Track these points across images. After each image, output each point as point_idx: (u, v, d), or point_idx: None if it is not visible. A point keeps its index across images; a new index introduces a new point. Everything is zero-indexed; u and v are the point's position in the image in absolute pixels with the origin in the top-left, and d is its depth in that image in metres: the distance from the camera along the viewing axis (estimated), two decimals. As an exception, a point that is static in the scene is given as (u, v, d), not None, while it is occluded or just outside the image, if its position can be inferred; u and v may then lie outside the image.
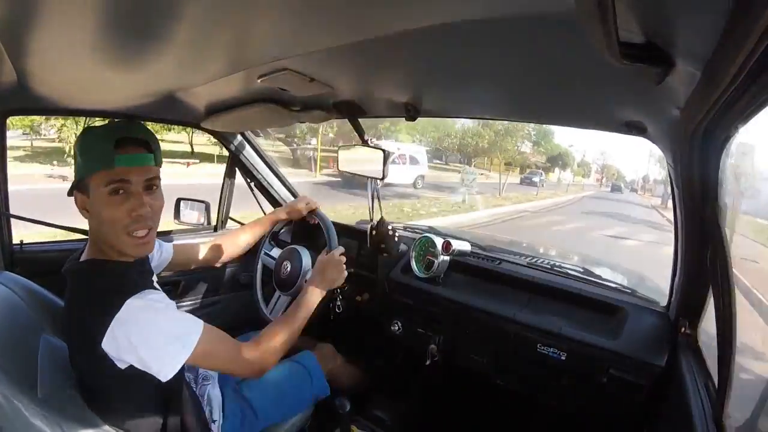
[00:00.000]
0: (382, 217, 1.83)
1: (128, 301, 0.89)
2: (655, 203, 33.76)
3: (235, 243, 1.70)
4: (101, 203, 0.95)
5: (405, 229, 2.32)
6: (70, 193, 1.00)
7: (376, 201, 1.84)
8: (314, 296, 1.36)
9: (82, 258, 1.03)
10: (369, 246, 1.87)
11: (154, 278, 1.16)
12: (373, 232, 1.84)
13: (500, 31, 0.66)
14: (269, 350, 1.14)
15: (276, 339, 1.17)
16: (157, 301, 0.95)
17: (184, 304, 2.02)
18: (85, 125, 1.08)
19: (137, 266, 1.07)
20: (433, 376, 1.94)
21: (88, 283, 0.96)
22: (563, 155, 42.77)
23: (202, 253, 1.61)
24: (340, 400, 1.40)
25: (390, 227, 1.82)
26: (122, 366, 0.92)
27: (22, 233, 1.60)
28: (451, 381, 1.96)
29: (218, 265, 1.70)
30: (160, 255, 1.38)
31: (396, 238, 1.85)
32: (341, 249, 1.55)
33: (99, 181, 0.94)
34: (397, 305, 1.85)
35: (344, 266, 1.51)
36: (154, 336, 0.91)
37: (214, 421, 1.29)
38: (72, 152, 0.99)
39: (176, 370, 0.94)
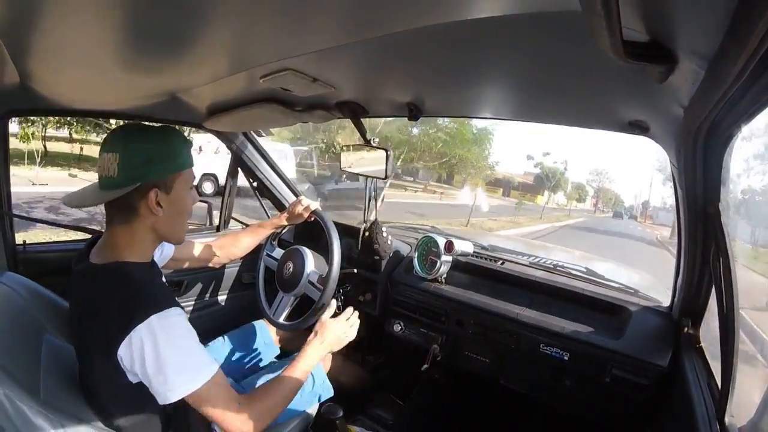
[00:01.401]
0: (376, 219, 1.82)
1: (151, 317, 0.89)
2: (663, 236, 26.80)
3: (235, 245, 1.70)
4: (185, 197, 1.06)
5: (407, 229, 2.32)
6: (138, 191, 0.98)
7: (372, 202, 1.83)
8: (312, 360, 1.31)
9: (96, 259, 1.02)
10: (359, 247, 1.87)
11: (163, 278, 1.16)
12: (366, 234, 1.84)
13: (503, 31, 0.66)
14: (265, 412, 1.10)
15: (273, 400, 1.14)
16: (180, 326, 0.95)
17: (186, 303, 2.02)
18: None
19: (151, 267, 1.09)
20: (435, 376, 1.94)
21: (111, 287, 0.95)
22: (552, 176, 37.18)
23: (202, 252, 1.61)
24: (330, 406, 1.39)
25: (384, 229, 1.82)
26: (133, 380, 0.93)
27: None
28: (454, 381, 1.96)
29: (217, 266, 1.70)
30: (161, 252, 1.37)
31: (389, 241, 1.85)
32: (353, 312, 1.50)
33: (185, 178, 1.05)
34: (399, 305, 1.85)
35: (353, 330, 1.46)
36: (165, 361, 0.91)
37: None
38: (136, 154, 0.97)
39: (174, 400, 0.93)
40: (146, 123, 1.06)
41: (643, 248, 18.70)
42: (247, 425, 1.05)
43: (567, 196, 54.81)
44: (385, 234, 1.81)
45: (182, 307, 1.00)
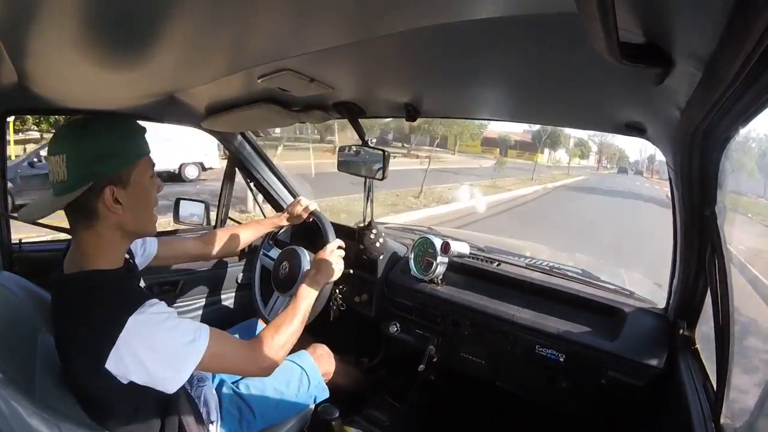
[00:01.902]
0: (371, 221, 1.82)
1: (131, 318, 0.87)
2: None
3: (228, 240, 1.66)
4: (146, 188, 1.01)
5: (403, 230, 2.32)
6: (92, 191, 0.93)
7: (369, 202, 1.83)
8: (311, 288, 1.34)
9: (69, 269, 0.98)
10: (356, 245, 1.85)
11: (141, 283, 1.14)
12: (357, 235, 1.84)
13: (501, 32, 0.66)
14: (276, 346, 1.12)
15: (281, 334, 1.15)
16: (158, 313, 0.92)
17: (182, 303, 2.01)
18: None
19: (126, 271, 1.06)
20: (431, 377, 1.94)
21: (84, 299, 0.91)
22: (544, 131, 34.04)
23: (192, 247, 1.57)
24: (326, 407, 1.40)
25: (374, 231, 1.81)
26: (125, 382, 0.90)
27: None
28: (450, 382, 1.96)
29: (209, 261, 1.68)
30: (144, 251, 1.34)
31: (377, 243, 1.83)
32: (339, 242, 1.54)
33: (143, 169, 1.00)
34: (395, 306, 1.85)
35: (341, 259, 1.50)
36: (162, 350, 0.90)
37: (212, 422, 1.28)
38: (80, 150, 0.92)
39: (184, 381, 0.93)
40: (91, 117, 1.00)
41: (654, 212, 14.56)
42: (266, 363, 1.08)
43: (569, 153, 51.25)
44: (374, 235, 1.80)
45: (154, 298, 0.96)
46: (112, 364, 0.86)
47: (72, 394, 0.98)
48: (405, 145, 31.09)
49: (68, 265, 1.00)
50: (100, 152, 0.93)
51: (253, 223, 1.80)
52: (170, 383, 0.92)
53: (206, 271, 2.05)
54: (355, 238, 1.86)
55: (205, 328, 0.98)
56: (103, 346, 0.86)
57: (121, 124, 1.00)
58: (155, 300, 0.94)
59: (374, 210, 1.79)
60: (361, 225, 1.84)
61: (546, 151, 41.50)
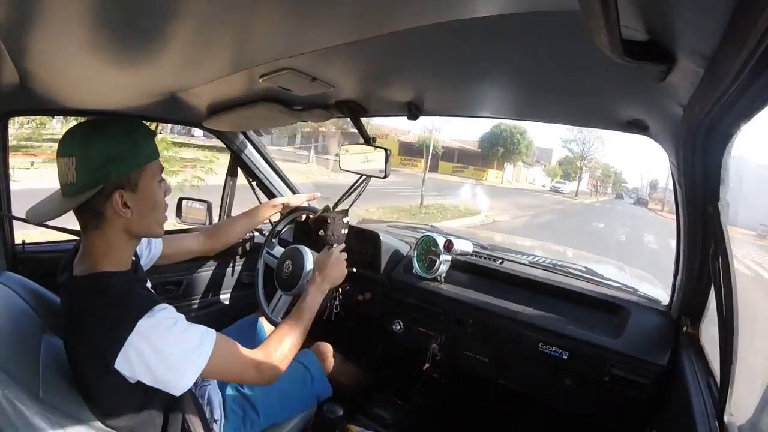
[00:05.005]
0: (346, 210, 1.76)
1: (140, 323, 0.87)
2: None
3: (228, 231, 1.67)
4: (153, 192, 1.00)
5: (406, 228, 2.32)
6: (101, 195, 0.93)
7: (354, 194, 1.82)
8: (316, 298, 1.33)
9: (78, 271, 0.99)
10: (309, 221, 1.77)
11: (148, 284, 1.14)
12: (323, 213, 1.75)
13: (502, 30, 0.66)
14: (279, 357, 1.12)
15: (284, 345, 1.15)
16: (167, 318, 0.93)
17: (185, 303, 2.02)
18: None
19: (133, 274, 1.06)
20: (434, 376, 1.94)
21: (95, 301, 0.92)
22: (506, 140, 22.71)
23: (194, 243, 1.57)
24: (330, 406, 1.40)
25: (345, 221, 1.73)
26: (132, 381, 0.91)
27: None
28: (453, 380, 1.96)
29: (212, 254, 1.67)
30: (150, 251, 1.35)
31: (343, 232, 1.73)
32: (342, 246, 1.53)
33: (151, 172, 1.00)
34: (398, 304, 1.85)
35: (345, 263, 1.48)
36: (168, 354, 0.90)
37: (215, 421, 1.29)
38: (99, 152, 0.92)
39: (191, 384, 0.93)
40: (103, 119, 0.98)
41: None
42: (267, 373, 1.09)
43: (549, 173, 41.62)
44: (343, 221, 1.73)
45: (164, 302, 0.97)
46: (120, 365, 0.87)
47: (77, 394, 0.99)
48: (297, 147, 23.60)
49: (78, 266, 1.00)
50: (111, 155, 0.92)
51: (249, 211, 1.77)
52: (175, 387, 0.93)
53: (208, 271, 2.06)
54: (358, 236, 1.83)
55: (212, 334, 0.98)
56: (112, 347, 0.86)
57: (130, 127, 0.99)
58: (165, 304, 0.95)
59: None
60: (329, 206, 1.78)
61: (508, 166, 30.58)
